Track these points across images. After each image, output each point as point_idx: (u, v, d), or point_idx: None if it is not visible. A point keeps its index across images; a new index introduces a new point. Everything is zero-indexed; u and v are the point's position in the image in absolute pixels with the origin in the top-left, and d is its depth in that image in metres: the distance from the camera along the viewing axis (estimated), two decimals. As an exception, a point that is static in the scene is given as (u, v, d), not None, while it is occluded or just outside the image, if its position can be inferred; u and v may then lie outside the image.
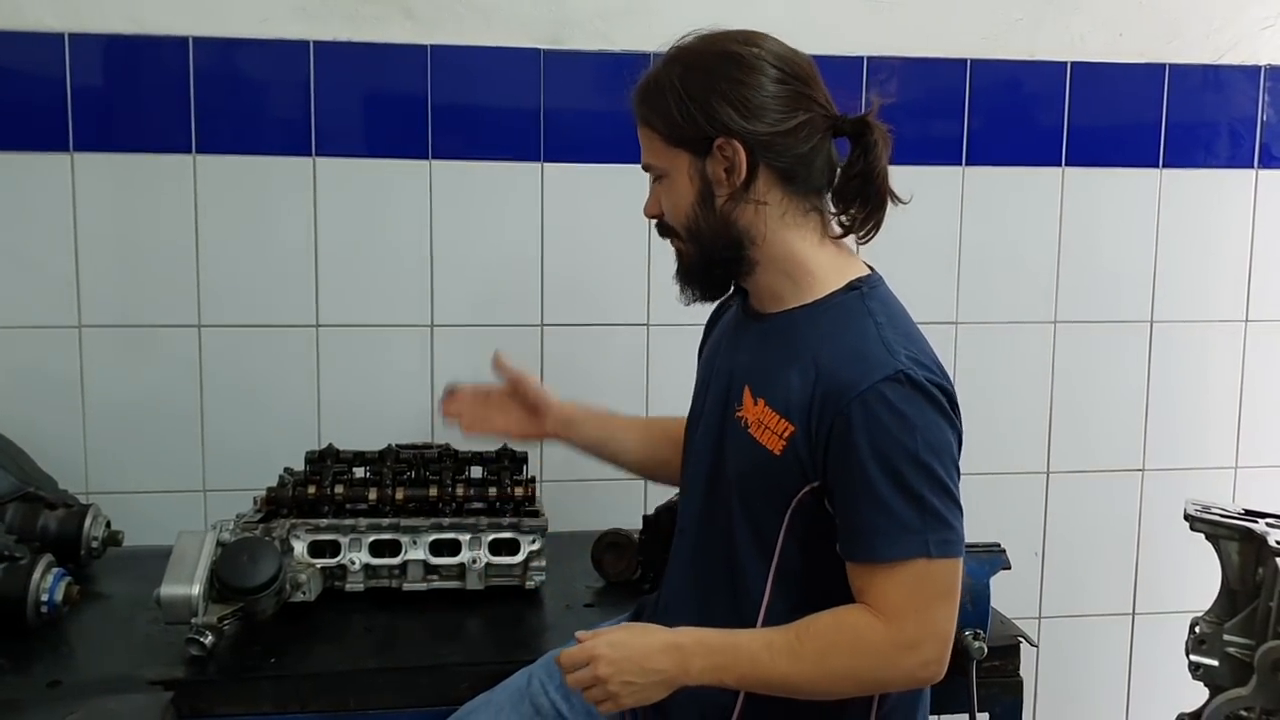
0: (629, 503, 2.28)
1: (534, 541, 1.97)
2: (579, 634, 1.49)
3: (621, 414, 1.97)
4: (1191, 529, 1.64)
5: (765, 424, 1.49)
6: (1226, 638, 1.59)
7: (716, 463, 1.58)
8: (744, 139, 1.48)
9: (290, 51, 2.26)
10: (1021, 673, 1.90)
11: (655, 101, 1.52)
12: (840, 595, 1.47)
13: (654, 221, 1.62)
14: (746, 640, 1.46)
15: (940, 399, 1.44)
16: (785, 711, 1.50)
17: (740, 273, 1.57)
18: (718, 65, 1.50)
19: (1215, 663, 1.60)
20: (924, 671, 1.46)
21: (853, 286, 1.54)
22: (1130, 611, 2.66)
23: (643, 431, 1.94)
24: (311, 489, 2.00)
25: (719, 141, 1.49)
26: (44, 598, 1.80)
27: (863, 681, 1.48)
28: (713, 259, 1.55)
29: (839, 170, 1.57)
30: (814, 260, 1.55)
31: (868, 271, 1.59)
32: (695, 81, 1.49)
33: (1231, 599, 1.62)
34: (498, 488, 2.03)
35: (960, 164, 2.48)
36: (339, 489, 2.00)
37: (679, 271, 1.61)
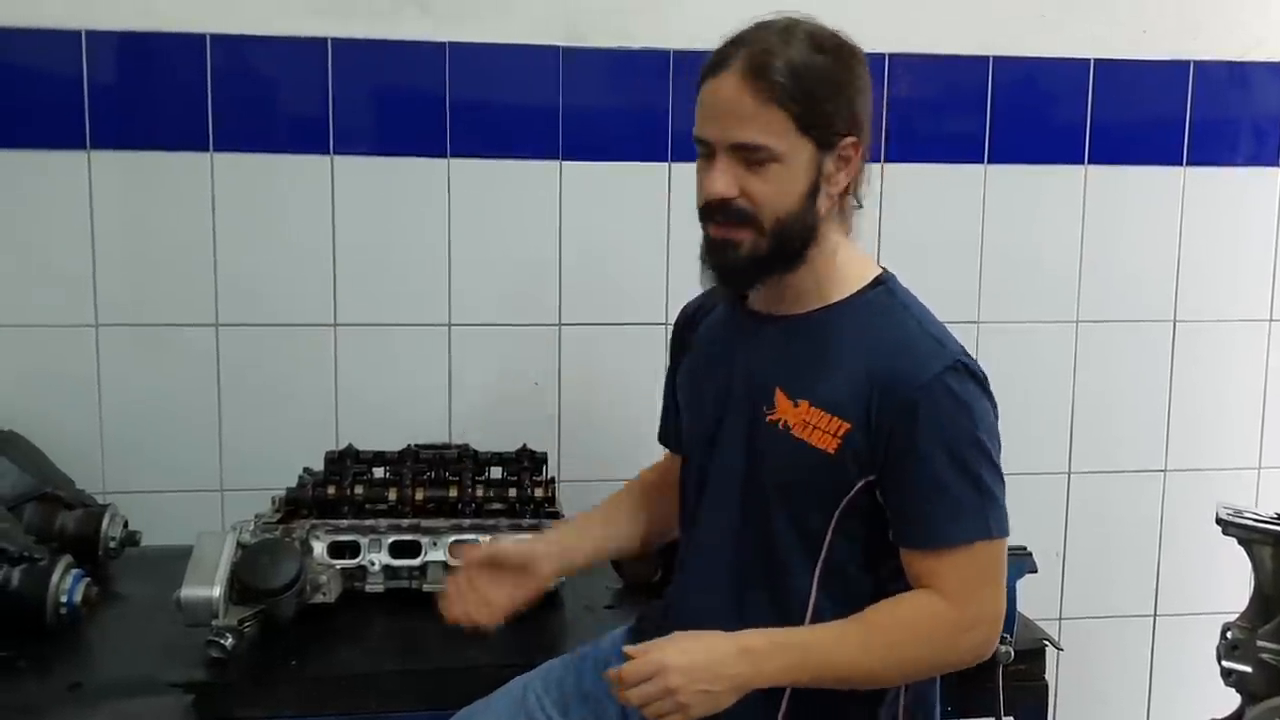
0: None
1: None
2: (629, 649, 1.44)
3: (597, 510, 1.82)
4: (1224, 533, 1.63)
5: (814, 424, 1.48)
6: (1260, 644, 1.58)
7: (750, 469, 1.56)
8: (862, 141, 1.49)
9: (307, 49, 2.25)
10: (1045, 676, 1.89)
11: (800, 83, 1.44)
12: (885, 587, 1.50)
13: (708, 204, 1.49)
14: (818, 637, 1.46)
15: (986, 385, 1.49)
16: (830, 703, 1.50)
17: (789, 269, 1.52)
18: (852, 62, 1.49)
19: (1249, 669, 1.59)
20: (981, 650, 1.49)
21: (878, 282, 1.56)
22: (1152, 613, 2.64)
23: (630, 508, 1.81)
24: (331, 489, 1.99)
25: (849, 140, 1.48)
26: (64, 599, 1.80)
27: (929, 666, 1.51)
28: (781, 253, 1.50)
29: None
30: (844, 259, 1.55)
31: (881, 270, 1.59)
32: (841, 74, 1.47)
33: (1265, 604, 1.61)
34: (517, 488, 2.02)
35: (982, 162, 2.46)
36: (359, 489, 2.00)
37: (731, 263, 1.51)
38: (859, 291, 1.54)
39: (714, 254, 1.52)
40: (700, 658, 1.41)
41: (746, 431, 1.56)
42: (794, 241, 1.49)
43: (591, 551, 1.76)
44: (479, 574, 1.63)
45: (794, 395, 1.51)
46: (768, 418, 1.53)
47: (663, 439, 1.82)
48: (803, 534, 1.51)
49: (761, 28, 1.49)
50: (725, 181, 1.47)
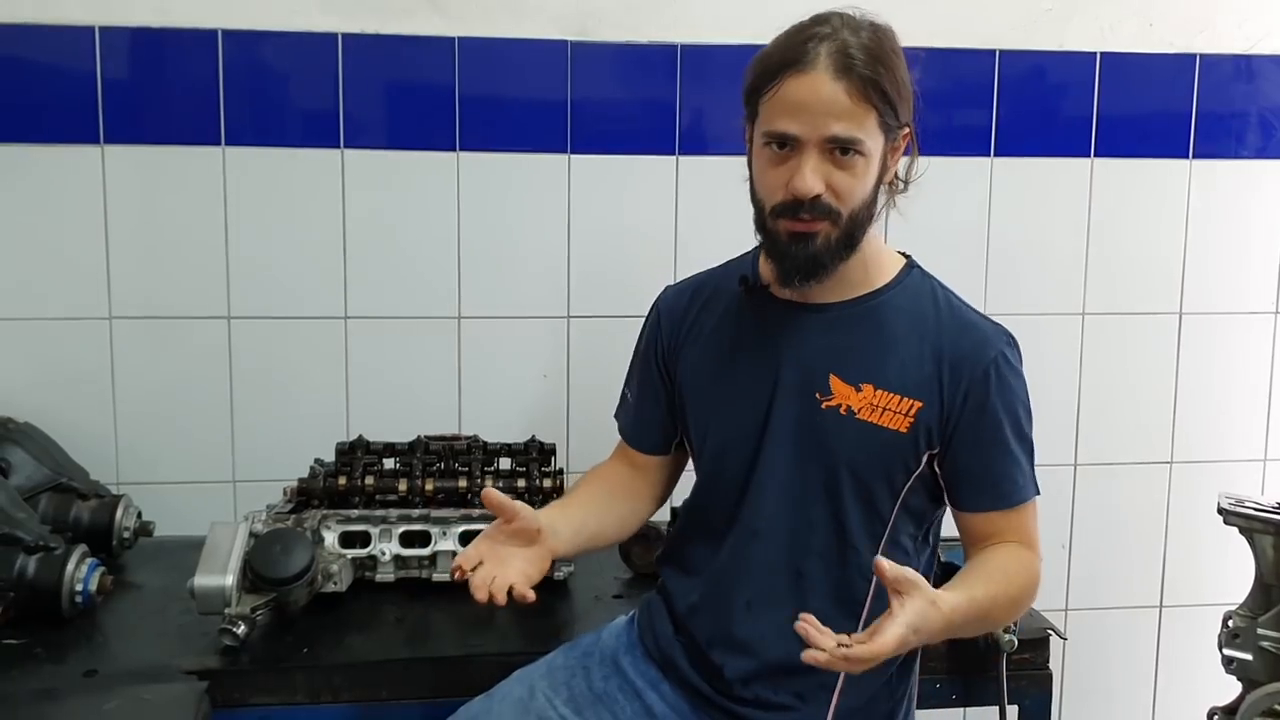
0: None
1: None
2: (892, 572, 1.38)
3: (572, 498, 1.78)
4: (1225, 522, 1.64)
5: (884, 406, 1.56)
6: (1260, 632, 1.59)
7: (807, 456, 1.59)
8: (913, 131, 1.56)
9: (318, 44, 2.27)
10: (1050, 665, 1.90)
11: (886, 79, 1.48)
12: (930, 557, 1.67)
13: (795, 199, 1.49)
14: (980, 596, 1.50)
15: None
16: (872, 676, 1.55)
17: (849, 258, 1.55)
18: (901, 53, 1.53)
19: (1249, 657, 1.60)
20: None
21: (909, 265, 1.65)
22: (1158, 604, 2.65)
23: (603, 501, 1.77)
24: (342, 480, 2.01)
25: (905, 130, 1.54)
26: (78, 588, 1.82)
27: (1026, 607, 1.63)
28: (850, 243, 1.53)
29: None
30: (879, 246, 1.63)
31: (899, 252, 1.67)
32: (903, 68, 1.52)
33: (1266, 593, 1.62)
34: (526, 479, 2.04)
35: (989, 155, 2.47)
36: (369, 480, 2.01)
37: (810, 255, 1.52)
38: (896, 277, 1.62)
39: (792, 247, 1.53)
40: (934, 629, 1.42)
41: (800, 419, 1.59)
42: (860, 231, 1.54)
43: (575, 544, 1.68)
44: (501, 535, 1.56)
45: (854, 380, 1.57)
46: (824, 404, 1.57)
47: (634, 438, 1.80)
48: (870, 512, 1.58)
49: (824, 22, 1.50)
50: (816, 178, 1.48)
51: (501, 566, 1.52)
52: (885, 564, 1.37)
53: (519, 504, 1.56)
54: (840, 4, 1.55)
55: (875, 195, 1.54)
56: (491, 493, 1.54)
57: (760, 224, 1.57)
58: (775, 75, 1.49)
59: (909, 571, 1.38)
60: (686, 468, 1.84)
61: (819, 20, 1.51)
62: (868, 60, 1.46)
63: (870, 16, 1.53)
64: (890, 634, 1.35)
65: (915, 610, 1.37)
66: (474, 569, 1.50)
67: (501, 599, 1.48)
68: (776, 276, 1.58)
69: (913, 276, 1.63)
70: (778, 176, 1.51)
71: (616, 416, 1.86)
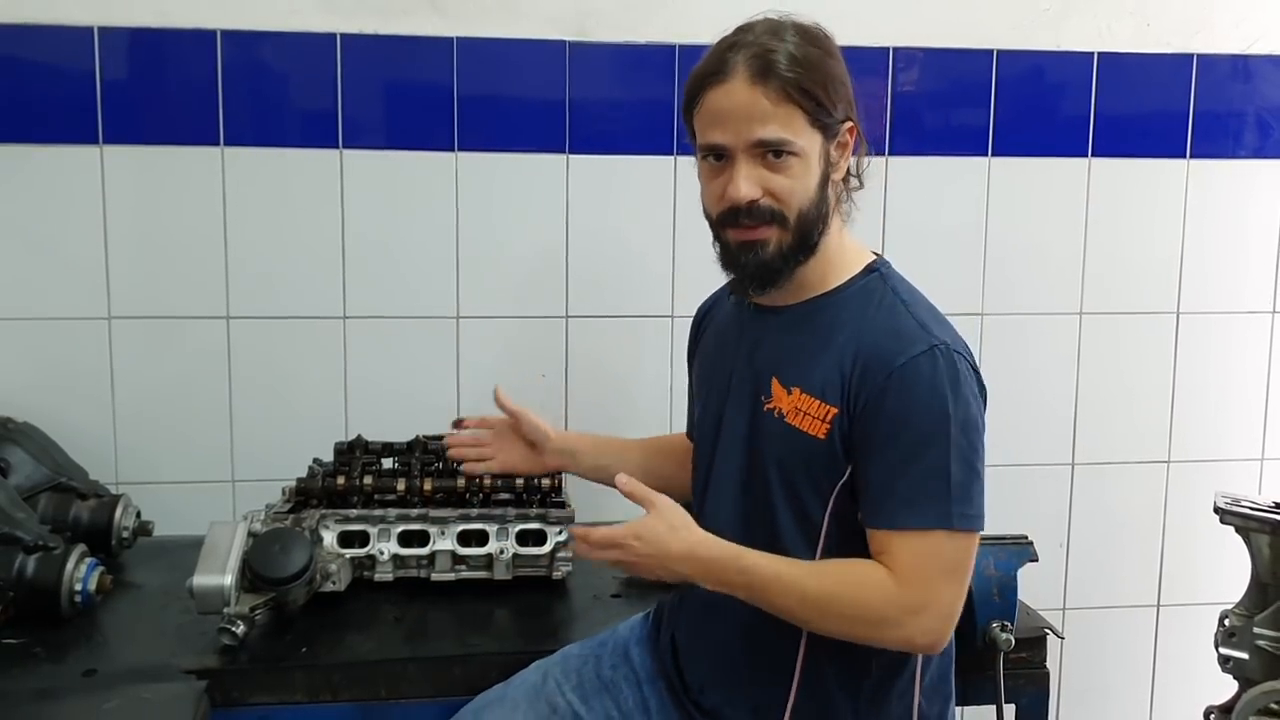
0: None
1: (560, 532, 1.98)
2: (607, 529, 1.52)
3: (618, 438, 2.01)
4: (1221, 521, 1.65)
5: (805, 411, 1.51)
6: (1257, 630, 1.60)
7: (751, 459, 1.58)
8: (857, 126, 1.54)
9: (317, 44, 2.27)
10: (1047, 664, 1.91)
11: (808, 78, 1.48)
12: None
13: (733, 208, 1.50)
14: (765, 570, 1.48)
15: (971, 377, 1.49)
16: (843, 679, 1.55)
17: (807, 260, 1.54)
18: (835, 49, 1.53)
19: (1245, 656, 1.61)
20: (923, 639, 1.48)
21: (870, 269, 1.59)
22: (1155, 603, 2.65)
23: (641, 453, 1.96)
24: (340, 480, 2.01)
25: (848, 125, 1.53)
26: (78, 587, 1.82)
27: (863, 635, 1.49)
28: (804, 245, 1.53)
29: None
30: (841, 247, 1.59)
31: (874, 256, 1.62)
32: (833, 63, 1.51)
33: (1262, 592, 1.62)
34: (524, 479, 2.04)
35: (986, 155, 2.47)
36: (368, 480, 2.02)
37: (761, 262, 1.52)
38: (853, 278, 1.58)
39: (741, 256, 1.53)
40: (653, 550, 1.50)
41: (747, 422, 1.59)
42: (813, 232, 1.53)
43: (595, 466, 1.92)
44: (500, 424, 1.95)
45: (788, 383, 1.54)
46: (766, 407, 1.56)
47: (689, 425, 1.88)
48: (802, 521, 1.54)
49: (748, 30, 1.51)
50: (749, 184, 1.49)
51: (498, 443, 1.95)
52: (622, 479, 1.50)
53: (525, 410, 1.90)
54: (828, 5, 1.55)
55: (822, 194, 1.52)
56: (501, 391, 1.88)
57: (714, 237, 1.58)
58: (699, 90, 1.51)
59: (648, 491, 1.52)
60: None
61: (742, 29, 1.52)
62: (789, 62, 1.47)
63: (795, 17, 1.53)
64: (612, 529, 1.50)
65: (646, 524, 1.50)
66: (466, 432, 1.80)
67: (472, 469, 1.94)
68: (733, 286, 1.61)
69: (870, 280, 1.57)
70: (716, 187, 1.52)
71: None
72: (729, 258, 1.56)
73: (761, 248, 1.51)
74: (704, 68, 1.52)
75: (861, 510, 1.50)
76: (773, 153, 1.48)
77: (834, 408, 1.49)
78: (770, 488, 1.56)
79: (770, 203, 1.50)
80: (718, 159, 1.51)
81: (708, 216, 1.58)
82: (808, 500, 1.53)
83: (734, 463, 1.61)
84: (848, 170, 1.57)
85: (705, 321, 1.81)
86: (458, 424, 2.01)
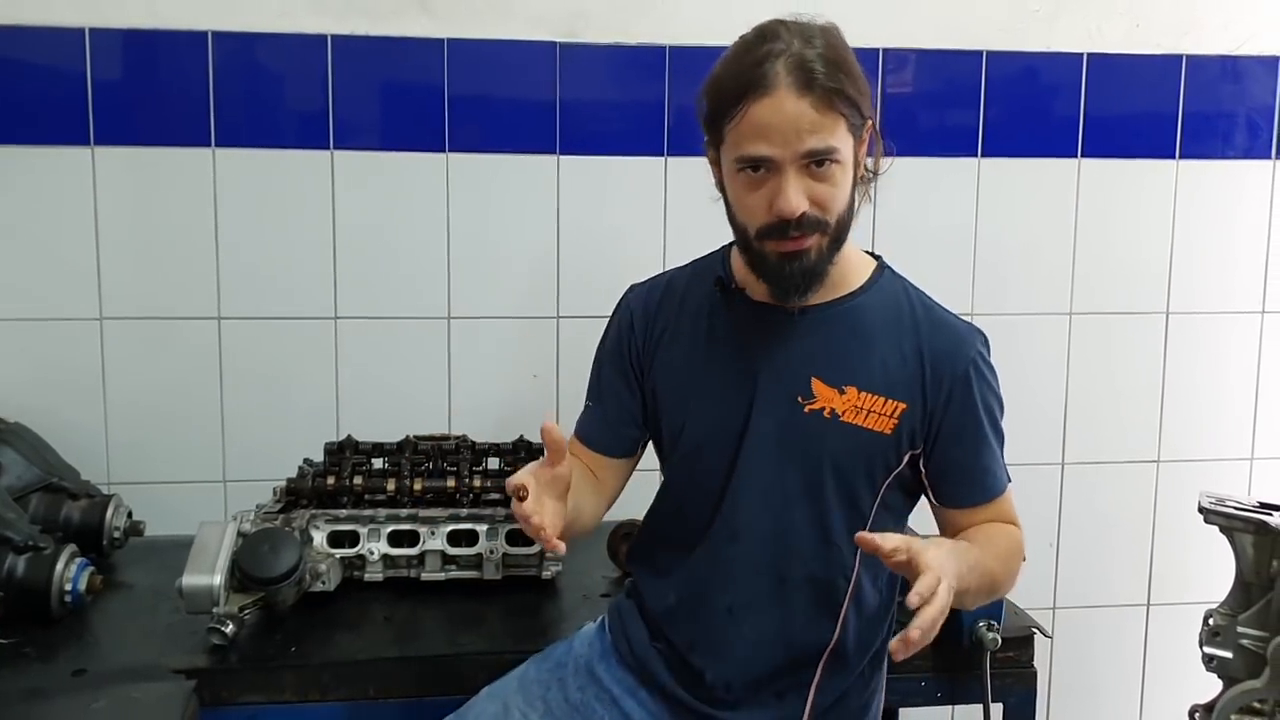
0: (644, 494, 2.28)
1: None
2: (888, 543, 1.36)
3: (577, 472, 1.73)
4: (1206, 521, 1.65)
5: (867, 409, 1.57)
6: (1240, 630, 1.60)
7: (788, 459, 1.59)
8: (875, 122, 1.55)
9: (308, 46, 2.28)
10: (1035, 663, 1.91)
11: (843, 85, 1.46)
12: None
13: (782, 220, 1.47)
14: (979, 559, 1.53)
15: None
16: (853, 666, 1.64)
17: (837, 261, 1.55)
18: (850, 49, 1.52)
19: (1229, 655, 1.61)
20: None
21: (881, 266, 1.66)
22: (1145, 603, 2.66)
23: (586, 493, 1.70)
24: (330, 480, 2.02)
25: (868, 124, 1.53)
26: (68, 587, 1.83)
27: (1017, 571, 1.66)
28: (837, 249, 1.54)
29: None
30: (850, 248, 1.61)
31: (866, 252, 1.68)
32: (856, 64, 1.51)
33: (1246, 591, 1.62)
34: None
35: (976, 155, 2.48)
36: (358, 480, 2.02)
37: (805, 270, 1.51)
38: (870, 278, 1.63)
39: (785, 266, 1.52)
40: (954, 579, 1.39)
41: (781, 424, 1.59)
42: (845, 232, 1.55)
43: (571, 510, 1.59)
44: (546, 475, 1.49)
45: (836, 383, 1.58)
46: (806, 407, 1.58)
47: (604, 443, 1.74)
48: (852, 511, 1.60)
49: (775, 37, 1.48)
50: (800, 197, 1.47)
51: (539, 506, 1.45)
52: (867, 536, 1.36)
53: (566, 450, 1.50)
54: (819, 5, 1.55)
55: (854, 199, 1.54)
56: (552, 427, 1.46)
57: (744, 246, 1.56)
58: (738, 102, 1.46)
59: (892, 536, 1.37)
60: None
61: (768, 36, 1.48)
62: (828, 69, 1.45)
63: (814, 18, 1.52)
64: (924, 609, 1.31)
65: (937, 561, 1.36)
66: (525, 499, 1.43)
67: (551, 533, 1.43)
68: (771, 294, 1.58)
69: (885, 277, 1.64)
70: (758, 200, 1.49)
71: (578, 429, 1.77)
72: (768, 269, 1.54)
73: (805, 256, 1.51)
74: (740, 79, 1.47)
75: (948, 494, 1.63)
76: (816, 162, 1.46)
77: (903, 403, 1.57)
78: (823, 487, 1.59)
79: (816, 212, 1.48)
80: (756, 170, 1.48)
81: (739, 228, 1.55)
82: (861, 494, 1.60)
83: (768, 464, 1.59)
84: (865, 166, 1.58)
85: (655, 314, 1.72)
86: (522, 498, 1.46)
